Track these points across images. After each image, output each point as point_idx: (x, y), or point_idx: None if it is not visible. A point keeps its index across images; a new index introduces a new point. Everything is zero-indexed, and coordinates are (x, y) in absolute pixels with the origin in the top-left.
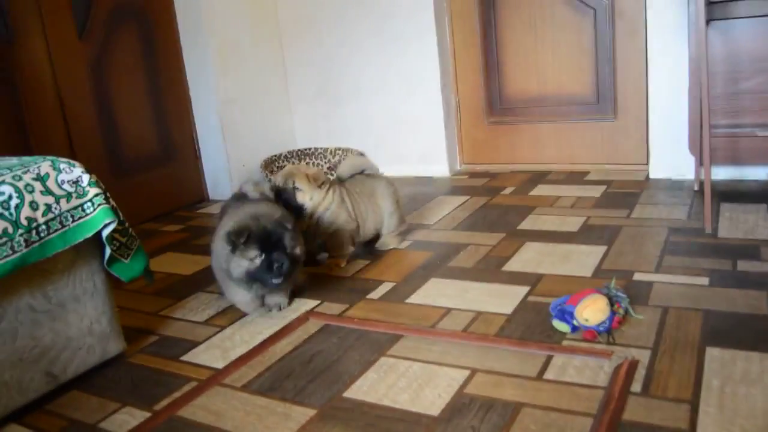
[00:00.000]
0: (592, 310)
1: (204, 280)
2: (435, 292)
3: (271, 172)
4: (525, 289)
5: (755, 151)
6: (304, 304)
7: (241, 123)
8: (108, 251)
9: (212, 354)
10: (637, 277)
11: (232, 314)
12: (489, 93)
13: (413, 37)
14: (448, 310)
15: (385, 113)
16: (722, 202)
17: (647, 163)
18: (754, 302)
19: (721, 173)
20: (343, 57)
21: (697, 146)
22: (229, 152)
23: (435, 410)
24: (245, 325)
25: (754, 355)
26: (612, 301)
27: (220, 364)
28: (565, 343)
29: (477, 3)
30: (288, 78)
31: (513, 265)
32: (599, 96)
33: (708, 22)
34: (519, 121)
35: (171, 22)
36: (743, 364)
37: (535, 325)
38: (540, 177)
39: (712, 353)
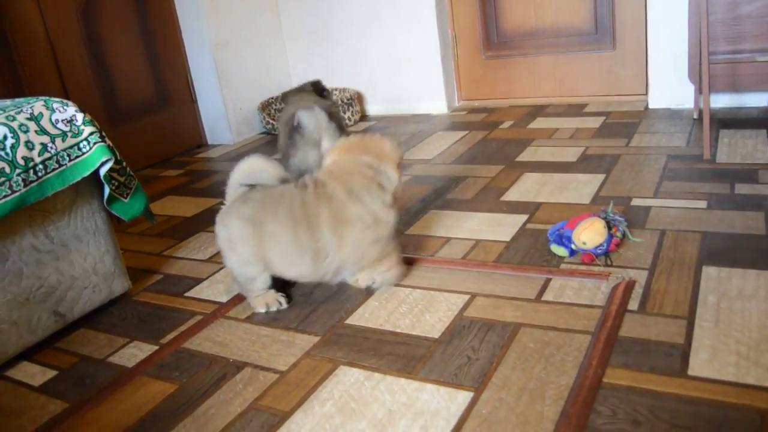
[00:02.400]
0: (589, 233)
1: (205, 221)
2: (435, 223)
3: (269, 114)
4: (523, 217)
5: (755, 77)
6: None
7: (235, 65)
8: (107, 190)
9: (216, 289)
10: (636, 202)
11: None
12: (486, 27)
13: None
14: (448, 239)
15: (380, 50)
16: (722, 128)
17: (646, 93)
18: (751, 223)
19: (722, 101)
20: None
21: (696, 74)
22: (225, 95)
23: (435, 333)
24: None
25: (751, 273)
26: (610, 225)
27: (224, 299)
28: (563, 266)
29: None
30: (281, 17)
31: (511, 195)
32: (597, 27)
33: None
34: (516, 55)
35: None
36: (739, 281)
37: (534, 250)
38: (539, 110)
39: (709, 272)
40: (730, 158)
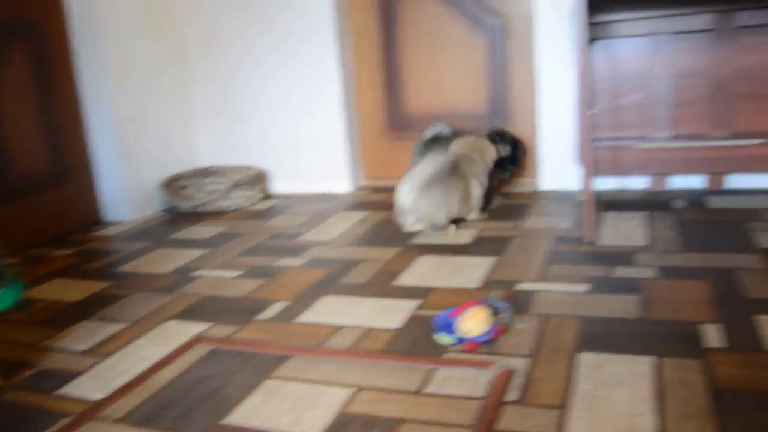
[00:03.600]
0: (473, 322)
1: (92, 307)
2: (327, 310)
3: (174, 191)
4: (415, 303)
5: (636, 162)
6: (193, 328)
7: (139, 141)
8: None
9: (93, 385)
10: (522, 286)
11: (118, 341)
12: (390, 109)
13: (314, 54)
14: (339, 328)
15: (287, 130)
16: (606, 211)
17: (537, 176)
18: (626, 306)
19: (607, 183)
20: (245, 74)
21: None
22: (126, 171)
23: (315, 431)
24: (132, 353)
25: (623, 358)
26: (495, 312)
27: (99, 396)
28: (448, 356)
29: (377, 21)
30: (193, 95)
31: (405, 279)
32: (493, 112)
33: (592, 40)
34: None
35: (64, 38)
36: (612, 368)
37: (422, 339)
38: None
39: (585, 358)
40: (612, 241)
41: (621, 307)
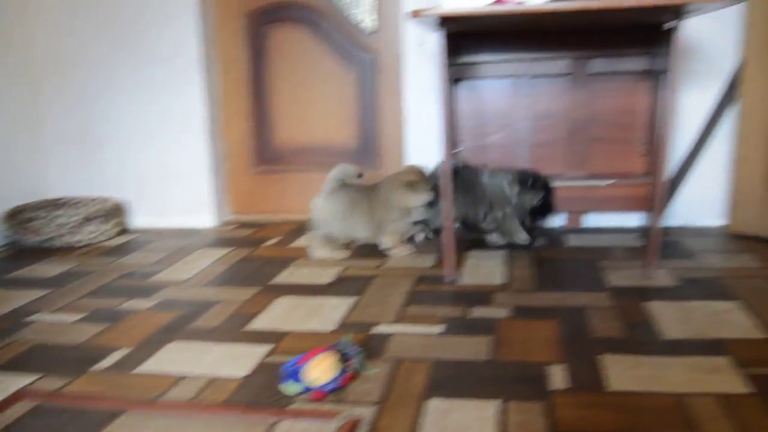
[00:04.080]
0: (319, 370)
1: None
2: (171, 358)
3: (18, 224)
4: (266, 348)
5: None
6: (17, 381)
7: None
8: None
9: None
10: (378, 329)
11: None
12: (258, 141)
13: (177, 83)
14: (181, 378)
15: (148, 160)
16: (470, 249)
17: None
18: (478, 348)
19: None
20: (104, 101)
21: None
22: None
23: None
24: None
25: (470, 403)
26: (345, 358)
27: None
28: (293, 406)
29: (246, 51)
30: (42, 119)
31: (259, 322)
32: (363, 147)
33: (458, 80)
34: (288, 170)
35: None
36: (458, 414)
37: (268, 388)
38: (308, 227)
39: (433, 404)
40: (472, 280)
41: (473, 349)
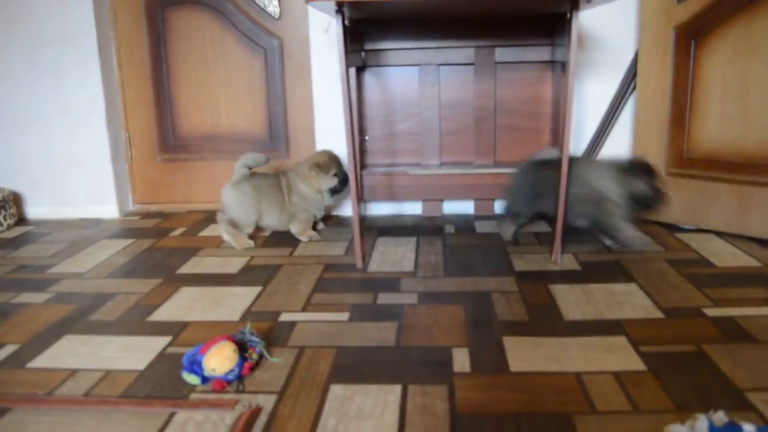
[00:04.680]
0: (218, 359)
1: None
2: (65, 353)
3: None
4: (166, 340)
5: (409, 188)
6: None
7: None
8: None
9: None
10: (284, 317)
11: None
12: (162, 129)
13: (72, 67)
14: (74, 372)
15: (45, 149)
16: (380, 236)
17: None
18: (383, 334)
19: (383, 209)
20: None
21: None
22: None
23: None
24: None
25: (372, 388)
26: (246, 347)
27: None
28: (192, 396)
29: (146, 34)
30: None
31: (161, 314)
32: (272, 134)
33: (365, 68)
34: (194, 159)
35: None
36: (360, 399)
37: (167, 380)
38: (215, 217)
39: (335, 390)
40: (381, 267)
41: (378, 335)
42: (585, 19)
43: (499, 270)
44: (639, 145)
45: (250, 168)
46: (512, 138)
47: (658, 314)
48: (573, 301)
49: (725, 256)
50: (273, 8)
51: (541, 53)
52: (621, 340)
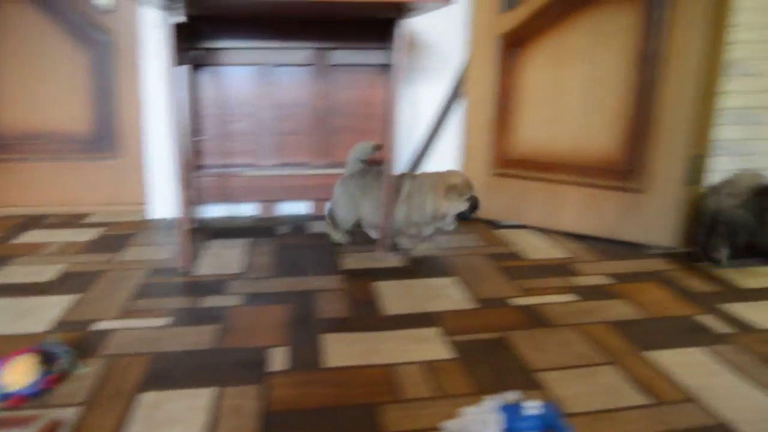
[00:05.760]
0: (16, 374)
1: None
2: None
3: None
4: None
5: (244, 189)
6: None
7: None
8: None
9: None
10: (99, 326)
11: None
12: None
13: None
14: None
15: None
16: (213, 239)
17: (146, 203)
18: (202, 338)
19: (217, 211)
20: None
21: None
22: None
23: None
24: None
25: (186, 393)
26: (50, 359)
27: None
28: None
29: None
30: None
31: None
32: (99, 134)
33: (199, 66)
34: (14, 159)
35: None
36: (171, 405)
37: None
38: (35, 221)
39: (146, 398)
40: (209, 270)
41: (197, 339)
42: (418, 24)
43: (328, 269)
44: (468, 146)
45: (363, 161)
46: (348, 139)
47: (472, 305)
48: (394, 296)
49: (537, 249)
50: (105, 2)
51: (376, 57)
52: (434, 331)
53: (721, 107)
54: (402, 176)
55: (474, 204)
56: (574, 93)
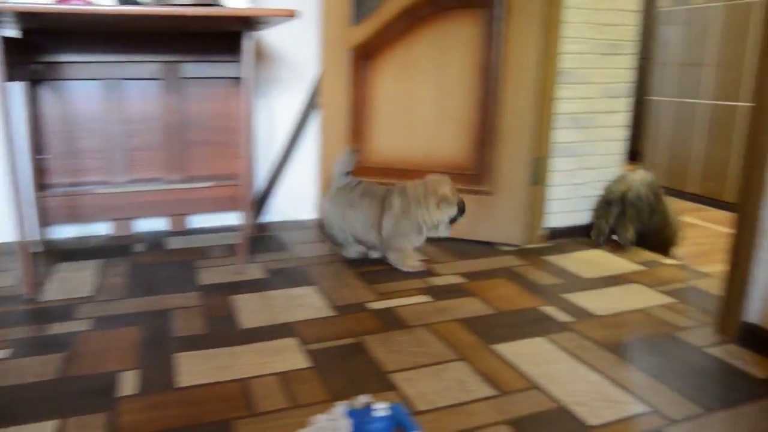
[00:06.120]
0: None
1: None
2: None
3: None
4: None
5: (96, 208)
6: None
7: None
8: None
9: None
10: None
11: None
12: None
13: None
14: None
15: None
16: (62, 261)
17: None
18: (46, 368)
19: (68, 231)
20: None
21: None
22: None
23: None
24: None
25: (24, 429)
26: None
27: None
28: None
29: None
30: None
31: None
32: None
33: (39, 81)
34: None
35: None
36: None
37: None
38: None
39: None
40: (56, 295)
41: (41, 369)
42: (272, 36)
43: (185, 286)
44: (326, 156)
45: (349, 173)
46: (206, 152)
47: (330, 313)
48: (252, 309)
49: None
50: None
51: (230, 69)
52: (291, 342)
53: (557, 113)
54: (388, 191)
55: (462, 207)
56: (425, 102)
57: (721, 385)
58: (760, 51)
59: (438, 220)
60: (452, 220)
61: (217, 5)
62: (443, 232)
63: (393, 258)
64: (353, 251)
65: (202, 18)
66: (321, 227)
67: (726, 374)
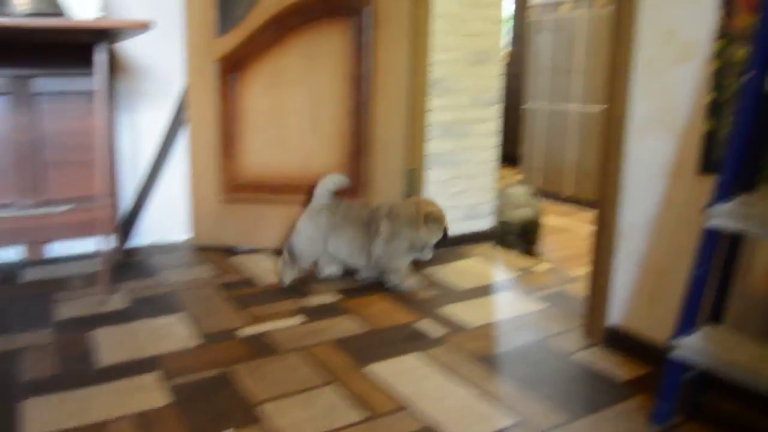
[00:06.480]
0: None
1: None
2: None
3: None
4: None
5: None
6: None
7: None
8: None
9: None
10: None
11: None
12: None
13: None
14: None
15: None
16: None
17: None
18: None
19: None
20: None
21: None
22: None
23: None
24: None
25: None
26: None
27: None
28: None
29: None
30: None
31: None
32: None
33: None
34: None
35: None
36: None
37: None
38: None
39: None
40: None
41: None
42: (134, 47)
43: (38, 322)
44: (194, 173)
45: (333, 193)
46: (64, 173)
47: (197, 342)
48: (113, 343)
49: (271, 273)
50: None
51: (88, 83)
52: (153, 377)
53: (430, 123)
54: (375, 212)
55: (446, 231)
56: (297, 115)
57: (587, 389)
58: (610, 59)
59: (426, 240)
60: (437, 244)
61: (61, 15)
62: (427, 254)
63: (392, 279)
64: (328, 270)
65: (45, 30)
66: (288, 245)
67: (592, 379)
